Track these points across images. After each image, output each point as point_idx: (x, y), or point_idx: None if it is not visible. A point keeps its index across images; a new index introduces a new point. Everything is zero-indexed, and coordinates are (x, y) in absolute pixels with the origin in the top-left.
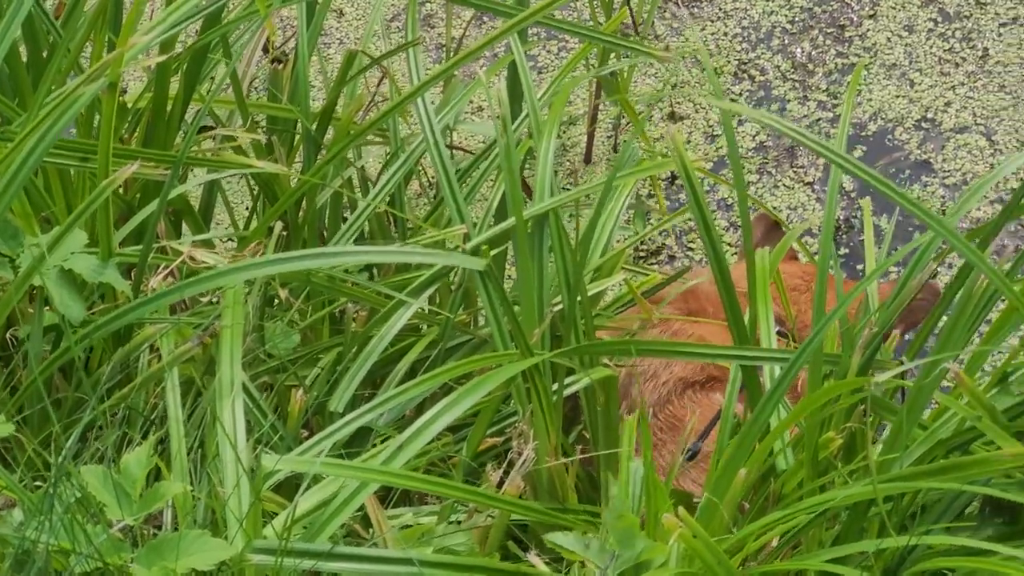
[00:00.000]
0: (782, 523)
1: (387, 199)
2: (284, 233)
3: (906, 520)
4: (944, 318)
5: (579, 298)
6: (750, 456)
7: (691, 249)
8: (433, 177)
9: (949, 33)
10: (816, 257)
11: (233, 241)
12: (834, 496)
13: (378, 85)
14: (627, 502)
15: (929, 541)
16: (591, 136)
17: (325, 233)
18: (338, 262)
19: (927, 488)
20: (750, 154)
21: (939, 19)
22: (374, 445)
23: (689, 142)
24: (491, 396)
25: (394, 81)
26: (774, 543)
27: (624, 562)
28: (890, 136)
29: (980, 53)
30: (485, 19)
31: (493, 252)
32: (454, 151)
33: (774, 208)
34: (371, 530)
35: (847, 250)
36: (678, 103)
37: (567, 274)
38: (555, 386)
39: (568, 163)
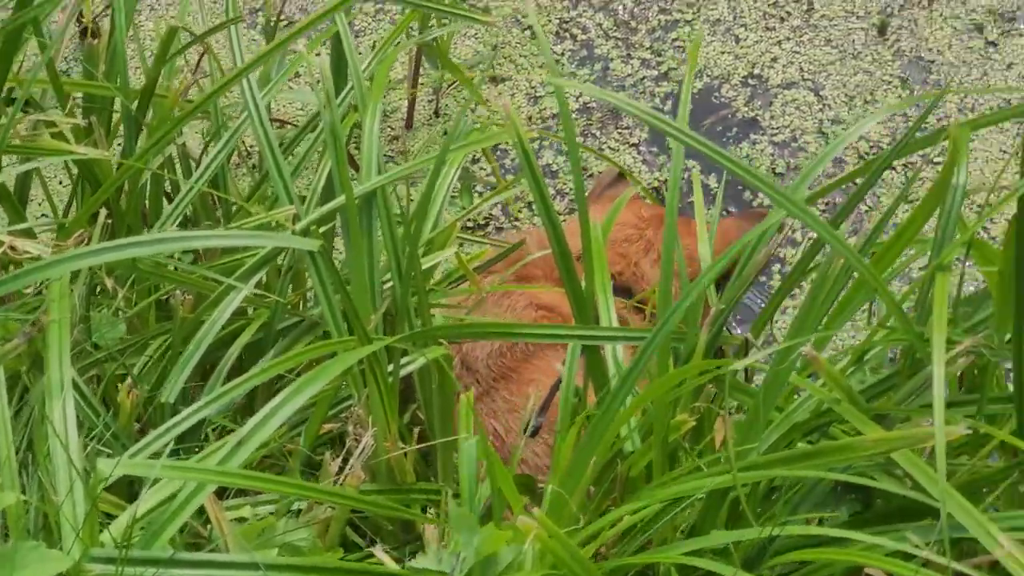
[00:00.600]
0: (636, 514)
1: (210, 178)
2: (108, 221)
3: (766, 503)
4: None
5: (413, 274)
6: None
7: (517, 219)
8: (251, 146)
9: None
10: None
11: (50, 219)
12: (696, 487)
13: (199, 61)
14: (470, 494)
15: (789, 531)
16: (412, 101)
17: (147, 215)
18: (170, 248)
19: (787, 476)
20: (574, 116)
21: None
22: (206, 436)
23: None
24: (329, 386)
25: (215, 56)
26: (620, 522)
27: (468, 562)
28: (717, 93)
29: (805, 7)
30: None
31: (322, 229)
32: (275, 123)
33: (598, 172)
34: (210, 526)
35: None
36: (499, 65)
37: (397, 253)
38: (390, 367)
39: (389, 128)
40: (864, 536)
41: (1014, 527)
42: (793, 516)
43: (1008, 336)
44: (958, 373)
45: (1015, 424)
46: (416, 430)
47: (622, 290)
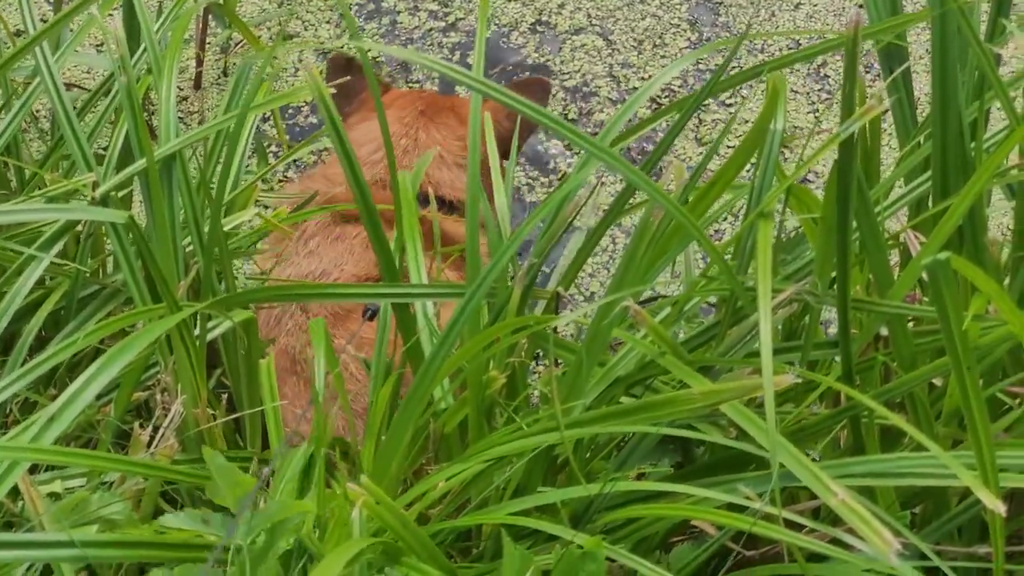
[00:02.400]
0: (460, 474)
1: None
2: None
3: (592, 458)
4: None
5: (217, 235)
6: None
7: None
8: (38, 110)
9: None
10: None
11: None
12: (522, 447)
13: None
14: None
15: (618, 488)
16: (200, 61)
17: None
18: None
19: (614, 432)
20: None
21: None
22: (9, 409)
23: (301, 60)
24: (140, 356)
25: (3, 20)
26: (440, 485)
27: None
28: (505, 40)
29: None
30: None
31: (120, 194)
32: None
33: None
34: (21, 502)
35: None
36: (286, 21)
37: (196, 216)
38: (196, 331)
39: (178, 89)
40: (694, 489)
41: (843, 475)
42: (621, 470)
43: (831, 282)
44: (781, 321)
45: (840, 370)
46: (224, 395)
47: (425, 199)
